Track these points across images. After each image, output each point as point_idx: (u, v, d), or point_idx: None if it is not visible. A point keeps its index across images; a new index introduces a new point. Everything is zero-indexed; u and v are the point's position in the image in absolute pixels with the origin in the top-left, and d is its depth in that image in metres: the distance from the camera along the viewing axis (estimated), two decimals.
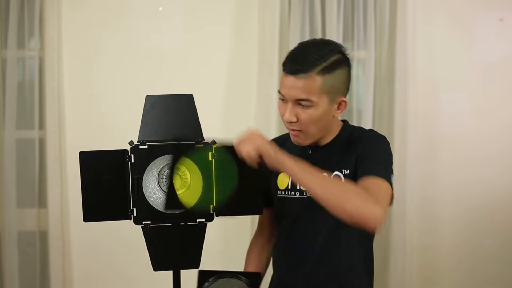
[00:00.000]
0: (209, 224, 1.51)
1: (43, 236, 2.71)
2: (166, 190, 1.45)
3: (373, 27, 2.67)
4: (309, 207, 1.57)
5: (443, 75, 2.76)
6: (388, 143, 1.57)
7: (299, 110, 1.48)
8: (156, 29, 2.71)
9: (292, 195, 1.60)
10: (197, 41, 2.71)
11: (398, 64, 2.65)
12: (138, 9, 2.71)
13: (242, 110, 2.69)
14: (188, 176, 1.48)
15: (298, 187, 1.59)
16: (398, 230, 2.69)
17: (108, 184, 1.48)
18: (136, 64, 2.69)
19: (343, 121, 1.63)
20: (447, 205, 2.80)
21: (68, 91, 2.68)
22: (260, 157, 1.40)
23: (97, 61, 2.71)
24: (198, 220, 1.49)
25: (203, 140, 1.46)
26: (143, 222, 1.48)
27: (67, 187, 2.69)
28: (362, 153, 1.51)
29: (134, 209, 1.48)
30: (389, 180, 1.46)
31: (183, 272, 1.57)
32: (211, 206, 1.49)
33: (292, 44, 2.61)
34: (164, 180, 1.48)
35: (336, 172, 1.52)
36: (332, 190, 1.37)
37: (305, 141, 1.54)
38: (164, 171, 1.48)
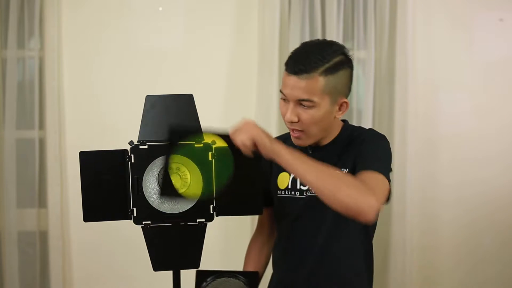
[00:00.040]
0: (209, 224, 1.51)
1: (43, 236, 2.71)
2: (161, 179, 1.45)
3: (373, 27, 2.68)
4: (309, 207, 1.57)
5: (443, 75, 2.76)
6: (388, 142, 1.57)
7: (300, 110, 1.48)
8: (156, 29, 2.71)
9: (292, 194, 1.60)
10: (197, 41, 2.71)
11: (398, 64, 2.65)
12: (138, 9, 2.71)
13: (242, 110, 2.68)
14: (188, 176, 1.48)
15: (298, 187, 1.60)
16: (398, 230, 2.69)
17: (108, 184, 1.48)
18: (136, 64, 2.69)
19: (343, 121, 1.64)
20: (447, 205, 2.80)
21: (68, 91, 2.68)
22: (255, 146, 1.40)
23: (97, 61, 2.71)
24: (198, 220, 1.49)
25: (203, 140, 1.46)
26: (143, 222, 1.48)
27: (67, 187, 2.69)
28: (361, 150, 1.52)
29: (134, 209, 1.48)
30: (386, 175, 1.46)
31: (183, 272, 1.57)
32: (211, 206, 1.49)
33: (292, 44, 2.62)
34: None
35: None
36: (326, 179, 1.36)
37: (306, 142, 1.54)
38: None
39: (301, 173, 1.38)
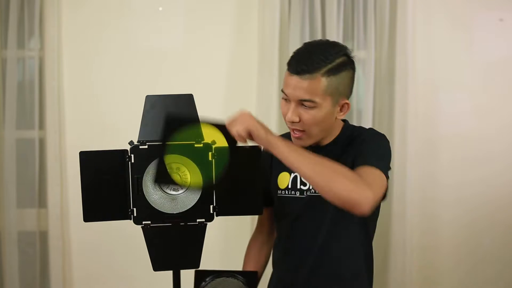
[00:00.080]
0: (209, 224, 1.51)
1: (43, 236, 2.71)
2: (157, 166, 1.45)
3: (373, 27, 2.67)
4: (309, 207, 1.58)
5: (443, 75, 2.76)
6: (387, 141, 1.57)
7: (302, 110, 1.48)
8: (156, 29, 2.71)
9: (292, 194, 1.60)
10: (197, 41, 2.71)
11: (398, 64, 2.65)
12: (138, 9, 2.71)
13: None
14: (188, 176, 1.48)
15: (298, 187, 1.60)
16: (398, 230, 2.69)
17: (108, 184, 1.48)
18: (136, 64, 2.69)
19: (344, 121, 1.64)
20: (447, 205, 2.80)
21: (68, 91, 2.68)
22: (251, 137, 1.40)
23: (97, 61, 2.71)
24: (198, 220, 1.49)
25: (203, 140, 1.46)
26: (143, 222, 1.48)
27: (67, 187, 2.70)
28: (361, 149, 1.52)
29: (134, 209, 1.48)
30: (384, 171, 1.46)
31: (183, 272, 1.58)
32: (212, 206, 1.49)
33: (292, 44, 2.62)
34: None
35: None
36: (322, 171, 1.36)
37: (306, 142, 1.54)
38: None
39: (296, 165, 1.38)
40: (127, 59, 2.70)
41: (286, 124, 1.53)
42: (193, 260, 1.53)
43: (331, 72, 1.45)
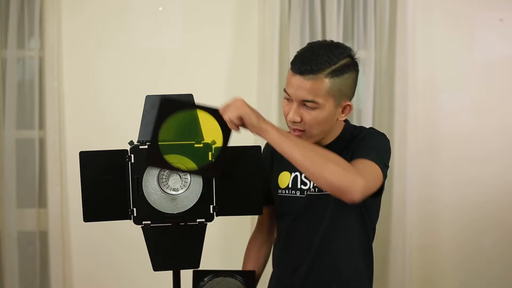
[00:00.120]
0: (209, 224, 1.51)
1: (43, 236, 2.71)
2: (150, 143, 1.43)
3: (373, 27, 2.67)
4: (308, 206, 1.58)
5: (443, 75, 2.76)
6: (387, 139, 1.58)
7: (303, 111, 1.48)
8: (156, 29, 2.71)
9: (293, 194, 1.60)
10: (197, 41, 2.71)
11: (398, 64, 2.65)
12: (138, 9, 2.71)
13: None
14: (188, 176, 1.48)
15: (299, 186, 1.60)
16: (398, 230, 2.69)
17: (108, 184, 1.48)
18: (136, 64, 2.69)
19: (345, 121, 1.63)
20: (447, 205, 2.80)
21: (68, 91, 2.68)
22: (243, 124, 1.41)
23: (97, 61, 2.71)
24: (198, 220, 1.49)
25: (203, 139, 1.46)
26: (143, 222, 1.49)
27: (67, 187, 2.70)
28: (358, 145, 1.52)
29: (134, 209, 1.48)
30: (378, 164, 1.46)
31: (183, 272, 1.58)
32: (211, 206, 1.49)
33: (292, 44, 2.62)
34: (164, 180, 1.48)
35: None
36: (313, 157, 1.37)
37: None
38: (164, 171, 1.48)
39: (288, 151, 1.38)
40: (127, 59, 2.70)
41: (287, 124, 1.53)
42: (193, 260, 1.53)
43: (335, 73, 1.45)
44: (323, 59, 1.44)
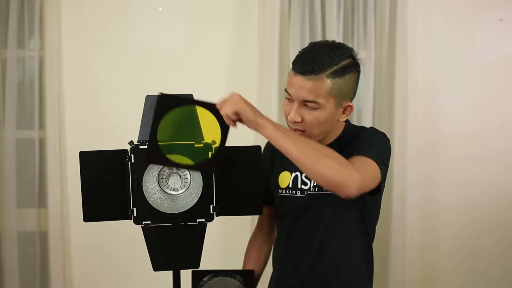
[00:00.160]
0: (209, 224, 1.51)
1: (43, 236, 2.71)
2: (149, 140, 1.43)
3: (373, 27, 2.67)
4: (308, 206, 1.58)
5: (443, 75, 2.76)
6: (387, 138, 1.58)
7: (304, 111, 1.48)
8: (156, 29, 2.71)
9: (293, 194, 1.60)
10: (197, 41, 2.71)
11: (398, 64, 2.65)
12: (138, 9, 2.71)
13: None
14: (188, 176, 1.48)
15: (299, 186, 1.60)
16: (398, 230, 2.69)
17: (108, 184, 1.48)
18: (136, 64, 2.69)
19: (345, 121, 1.63)
20: (447, 205, 2.80)
21: (68, 91, 2.68)
22: (240, 119, 1.41)
23: (97, 61, 2.71)
24: (198, 220, 1.49)
25: (203, 139, 1.46)
26: (143, 222, 1.48)
27: (67, 187, 2.70)
28: (357, 144, 1.52)
29: (134, 209, 1.48)
30: (376, 161, 1.46)
31: (183, 272, 1.58)
32: (211, 206, 1.49)
33: (292, 44, 2.62)
34: (164, 180, 1.48)
35: None
36: (309, 152, 1.37)
37: None
38: (164, 171, 1.48)
39: (284, 146, 1.39)
40: (127, 59, 2.70)
41: (288, 124, 1.53)
42: (193, 260, 1.53)
43: (336, 74, 1.45)
44: (324, 59, 1.44)
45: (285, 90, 1.51)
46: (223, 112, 1.42)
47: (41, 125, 2.69)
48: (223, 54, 2.71)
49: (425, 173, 2.77)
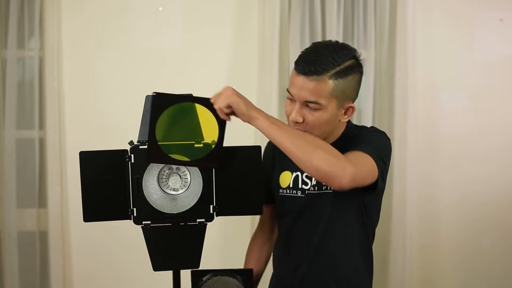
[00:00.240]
0: (209, 224, 1.51)
1: (43, 236, 2.71)
2: (148, 140, 1.44)
3: (373, 27, 2.68)
4: (308, 205, 1.58)
5: (443, 75, 2.76)
6: (387, 137, 1.57)
7: (306, 111, 1.47)
8: (156, 29, 2.71)
9: (294, 193, 1.60)
10: (197, 41, 2.71)
11: (398, 64, 2.65)
12: (138, 9, 2.71)
13: None
14: (188, 176, 1.48)
15: (299, 186, 1.60)
16: (398, 230, 2.69)
17: (108, 184, 1.48)
18: (136, 64, 2.69)
19: (347, 121, 1.63)
20: (447, 205, 2.80)
21: (68, 91, 2.68)
22: (233, 112, 1.42)
23: (97, 61, 2.71)
24: (198, 220, 1.49)
25: (203, 140, 1.46)
26: (143, 222, 1.48)
27: (67, 187, 2.70)
28: (356, 142, 1.52)
29: (134, 209, 1.48)
30: (373, 157, 1.45)
31: (183, 272, 1.58)
32: (211, 206, 1.49)
33: (292, 44, 2.62)
34: (164, 180, 1.48)
35: None
36: (302, 144, 1.38)
37: None
38: (164, 171, 1.48)
39: (278, 139, 1.39)
40: (127, 59, 2.70)
41: (289, 124, 1.53)
42: (193, 260, 1.53)
43: (339, 75, 1.44)
44: (327, 60, 1.43)
45: (287, 90, 1.51)
46: (216, 106, 1.42)
47: (41, 125, 2.69)
48: (223, 54, 2.71)
49: (425, 173, 2.77)
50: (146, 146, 1.45)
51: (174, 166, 1.47)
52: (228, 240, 2.67)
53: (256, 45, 2.65)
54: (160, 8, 2.71)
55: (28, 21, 2.64)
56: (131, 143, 1.48)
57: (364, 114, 2.69)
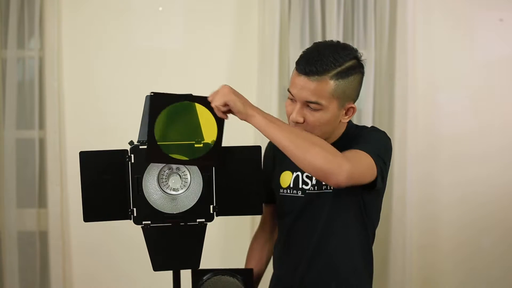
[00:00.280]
0: (209, 224, 1.51)
1: (43, 236, 2.71)
2: (147, 141, 1.43)
3: (373, 27, 2.67)
4: (308, 205, 1.58)
5: (443, 75, 2.76)
6: (387, 137, 1.57)
7: (307, 112, 1.47)
8: (156, 29, 2.71)
9: (294, 193, 1.61)
10: (197, 41, 2.71)
11: (398, 64, 2.65)
12: (138, 9, 2.71)
13: None
14: (189, 176, 1.48)
15: (300, 186, 1.60)
16: (398, 230, 2.69)
17: (108, 184, 1.48)
18: (136, 64, 2.69)
19: (348, 121, 1.63)
20: (447, 205, 2.80)
21: (68, 91, 2.68)
22: (230, 110, 1.42)
23: (97, 61, 2.71)
24: (198, 220, 1.49)
25: (203, 140, 1.46)
26: (143, 222, 1.49)
27: (67, 187, 2.69)
28: (355, 141, 1.51)
29: (134, 209, 1.48)
30: (371, 155, 1.45)
31: (183, 272, 1.58)
32: (212, 206, 1.50)
33: (292, 44, 2.62)
34: (164, 180, 1.48)
35: None
36: (299, 142, 1.37)
37: None
38: (164, 171, 1.48)
39: (274, 136, 1.39)
40: (127, 59, 2.70)
41: (289, 123, 1.53)
42: (193, 260, 1.53)
43: (340, 75, 1.44)
44: (328, 60, 1.43)
45: (288, 90, 1.51)
46: (213, 104, 1.42)
47: (41, 125, 2.69)
48: (223, 54, 2.71)
49: (425, 173, 2.77)
50: (146, 146, 1.46)
51: (174, 166, 1.47)
52: (228, 240, 2.67)
53: (256, 45, 2.65)
54: (160, 8, 2.71)
55: (28, 21, 2.64)
56: (131, 143, 1.48)
57: (364, 114, 2.69)
